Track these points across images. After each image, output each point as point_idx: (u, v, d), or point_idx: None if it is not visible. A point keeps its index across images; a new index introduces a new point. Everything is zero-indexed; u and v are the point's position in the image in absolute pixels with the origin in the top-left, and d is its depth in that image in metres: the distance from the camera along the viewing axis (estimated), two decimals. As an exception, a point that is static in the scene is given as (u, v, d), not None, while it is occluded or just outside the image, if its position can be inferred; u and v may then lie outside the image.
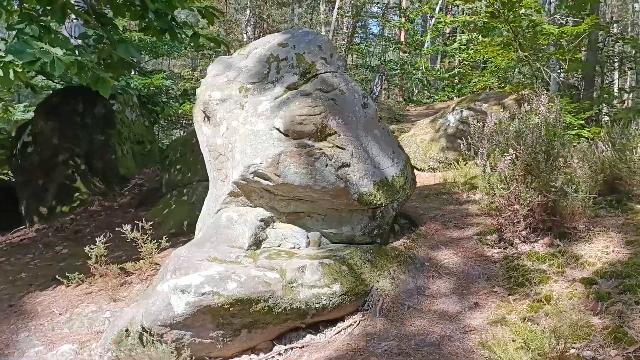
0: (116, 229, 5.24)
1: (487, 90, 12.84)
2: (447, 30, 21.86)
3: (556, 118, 4.79)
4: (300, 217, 4.56)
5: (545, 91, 5.26)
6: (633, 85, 20.25)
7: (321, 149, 4.18)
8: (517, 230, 4.77)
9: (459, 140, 10.32)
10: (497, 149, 4.69)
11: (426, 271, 4.59)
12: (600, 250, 4.38)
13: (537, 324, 3.52)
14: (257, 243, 4.37)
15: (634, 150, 5.24)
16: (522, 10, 7.06)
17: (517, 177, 4.47)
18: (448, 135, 9.57)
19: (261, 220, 4.45)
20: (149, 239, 5.03)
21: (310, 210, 4.51)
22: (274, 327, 3.98)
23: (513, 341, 3.38)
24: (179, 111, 14.96)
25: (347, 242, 4.61)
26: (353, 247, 4.50)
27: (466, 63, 16.97)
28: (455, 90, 17.02)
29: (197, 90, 4.69)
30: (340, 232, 4.57)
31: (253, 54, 4.76)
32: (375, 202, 4.47)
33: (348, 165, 4.30)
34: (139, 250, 5.16)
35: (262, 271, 3.94)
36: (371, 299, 4.26)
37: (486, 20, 7.92)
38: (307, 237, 4.51)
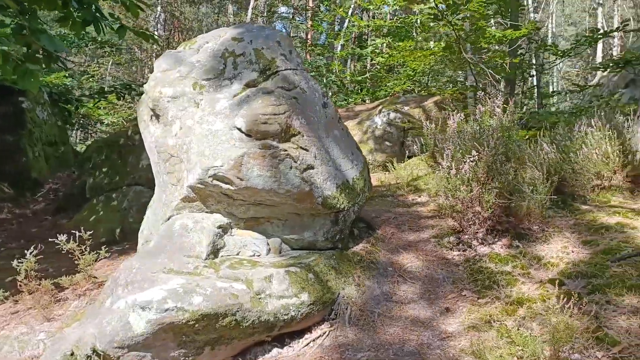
0: (35, 238, 4.70)
1: (403, 94, 13.03)
2: (354, 35, 22.04)
3: (512, 120, 4.84)
4: (259, 222, 4.28)
5: (498, 93, 5.30)
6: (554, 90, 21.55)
7: (286, 150, 3.94)
8: (475, 232, 4.76)
9: (387, 142, 10.48)
10: (460, 151, 4.65)
11: (390, 276, 4.46)
12: (560, 250, 4.45)
13: (520, 328, 3.48)
14: (215, 252, 4.04)
15: (577, 152, 5.42)
16: (467, 14, 7.18)
17: (480, 178, 4.45)
18: (376, 137, 9.59)
19: (219, 227, 4.13)
20: (87, 249, 4.53)
21: (270, 215, 4.25)
22: (239, 342, 3.68)
23: (498, 348, 3.31)
24: (81, 110, 13.93)
25: (308, 248, 4.39)
26: (316, 254, 4.29)
27: (379, 67, 17.17)
28: (369, 93, 17.18)
29: (145, 87, 4.28)
30: (302, 237, 4.34)
31: (205, 49, 4.42)
32: (338, 205, 4.29)
33: (312, 168, 4.08)
34: (74, 262, 4.63)
35: (228, 282, 3.63)
36: (338, 308, 4.06)
37: (429, 19, 8.00)
38: (268, 244, 4.25)
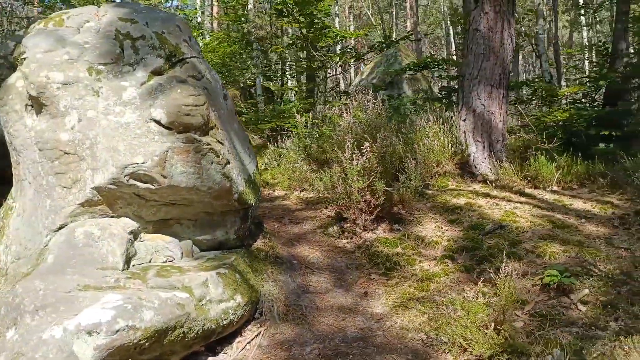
0: None
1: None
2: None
3: (381, 115, 5.24)
4: (169, 225, 3.89)
5: (369, 90, 5.66)
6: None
7: (209, 145, 3.65)
8: (365, 220, 5.03)
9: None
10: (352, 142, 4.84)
11: (298, 269, 4.46)
12: (434, 230, 5.01)
13: (442, 299, 3.85)
14: (127, 260, 3.55)
15: (419, 144, 6.11)
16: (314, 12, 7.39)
17: (374, 168, 4.73)
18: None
19: (130, 233, 3.63)
20: None
21: (180, 216, 3.89)
22: (177, 356, 3.31)
23: (440, 318, 3.63)
24: None
25: (218, 247, 4.13)
26: (233, 253, 4.07)
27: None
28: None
29: (23, 69, 3.48)
30: (214, 237, 4.07)
31: (87, 28, 3.80)
32: (249, 201, 4.14)
33: (229, 162, 3.87)
34: None
35: (169, 292, 3.23)
36: (263, 306, 3.93)
37: (274, 16, 7.99)
38: (180, 248, 3.88)
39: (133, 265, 3.60)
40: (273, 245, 4.63)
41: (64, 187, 3.55)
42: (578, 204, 5.51)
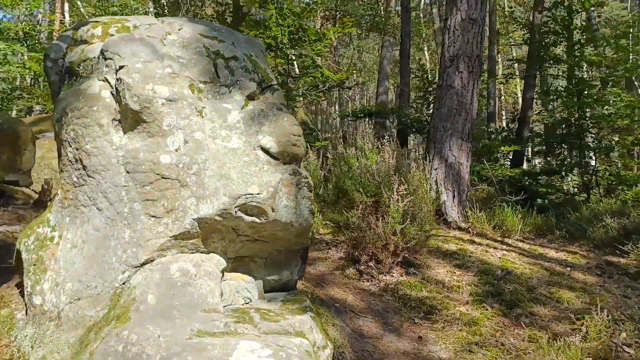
0: None
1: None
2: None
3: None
4: (244, 263, 3.54)
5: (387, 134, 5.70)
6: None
7: (307, 178, 3.45)
8: (372, 262, 5.03)
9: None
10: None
11: (343, 312, 4.30)
12: (447, 274, 5.18)
13: (503, 344, 3.98)
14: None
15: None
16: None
17: (409, 210, 4.78)
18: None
19: (222, 271, 3.25)
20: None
21: (255, 253, 3.57)
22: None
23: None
24: None
25: (281, 289, 3.83)
26: (299, 295, 3.80)
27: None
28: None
29: (125, 79, 2.99)
30: (281, 277, 3.78)
31: (172, 41, 3.42)
32: (311, 237, 3.94)
33: (310, 198, 3.68)
34: None
35: (289, 338, 2.94)
36: (336, 352, 3.72)
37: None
38: (256, 288, 3.55)
39: (224, 307, 3.21)
40: (309, 286, 4.42)
41: (153, 216, 3.09)
42: (552, 254, 6.07)
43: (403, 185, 4.84)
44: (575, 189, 9.56)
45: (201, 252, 3.24)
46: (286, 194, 3.27)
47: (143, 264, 3.08)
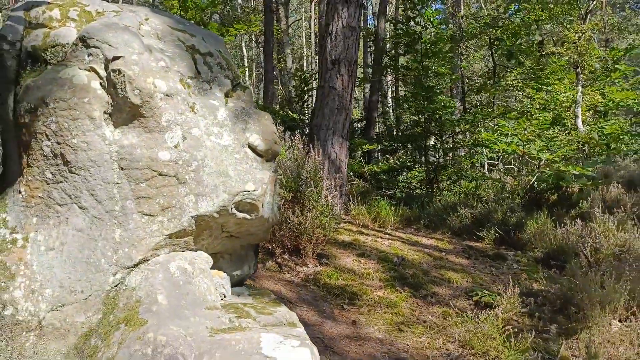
0: None
1: None
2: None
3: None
4: (216, 259, 3.54)
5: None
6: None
7: (281, 175, 3.59)
8: (286, 255, 5.27)
9: None
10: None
11: (285, 304, 4.45)
12: (354, 263, 5.64)
13: (419, 317, 4.55)
14: (210, 300, 3.17)
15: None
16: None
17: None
18: None
19: (211, 268, 3.24)
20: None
21: (226, 249, 3.60)
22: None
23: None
24: None
25: (238, 284, 3.89)
26: (252, 289, 3.90)
27: None
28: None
29: (126, 71, 2.77)
30: (243, 272, 3.84)
31: (147, 32, 3.27)
32: (265, 234, 4.06)
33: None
34: None
35: (291, 329, 3.09)
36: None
37: None
38: (229, 283, 3.58)
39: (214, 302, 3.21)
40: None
41: (147, 214, 2.97)
42: (424, 241, 6.90)
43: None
44: (419, 184, 10.80)
45: (190, 250, 3.20)
46: (270, 191, 3.39)
47: (137, 265, 2.96)
